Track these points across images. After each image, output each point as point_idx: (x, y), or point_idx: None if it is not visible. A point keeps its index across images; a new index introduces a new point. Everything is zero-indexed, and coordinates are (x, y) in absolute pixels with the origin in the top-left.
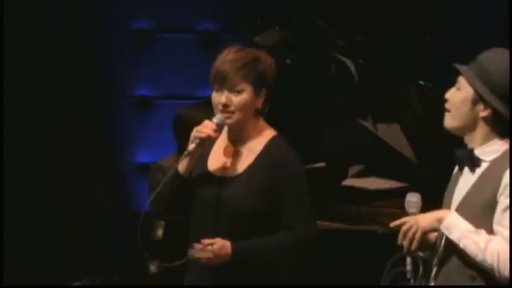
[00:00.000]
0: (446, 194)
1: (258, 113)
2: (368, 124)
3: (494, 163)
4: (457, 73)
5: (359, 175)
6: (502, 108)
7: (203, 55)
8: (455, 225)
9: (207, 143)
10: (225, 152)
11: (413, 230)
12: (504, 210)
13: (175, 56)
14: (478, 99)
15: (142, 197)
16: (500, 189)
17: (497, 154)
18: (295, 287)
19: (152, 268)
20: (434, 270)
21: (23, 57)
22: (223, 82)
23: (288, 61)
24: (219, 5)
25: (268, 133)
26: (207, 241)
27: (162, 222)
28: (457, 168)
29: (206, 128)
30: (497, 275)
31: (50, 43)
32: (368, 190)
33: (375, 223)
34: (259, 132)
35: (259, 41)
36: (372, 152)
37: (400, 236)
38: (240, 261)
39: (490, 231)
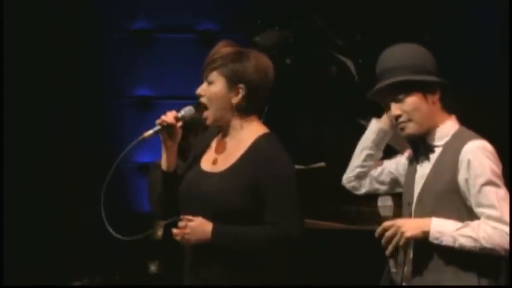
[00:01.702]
0: (406, 181)
1: (239, 109)
2: (368, 124)
3: (446, 146)
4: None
5: None
6: (441, 80)
7: (203, 55)
8: (442, 233)
9: (173, 134)
10: (216, 149)
11: (397, 238)
12: (479, 191)
13: (175, 56)
14: (426, 91)
15: (142, 197)
16: (462, 172)
17: (448, 137)
18: (295, 287)
19: (152, 268)
20: (410, 256)
21: (23, 58)
22: (202, 74)
23: (288, 61)
24: (219, 5)
25: (259, 130)
26: (187, 217)
27: (162, 222)
28: (409, 154)
29: (167, 116)
30: (503, 253)
31: (50, 43)
32: None
33: (375, 223)
34: (248, 128)
35: (259, 41)
36: None
37: (384, 241)
38: (221, 244)
39: (454, 212)
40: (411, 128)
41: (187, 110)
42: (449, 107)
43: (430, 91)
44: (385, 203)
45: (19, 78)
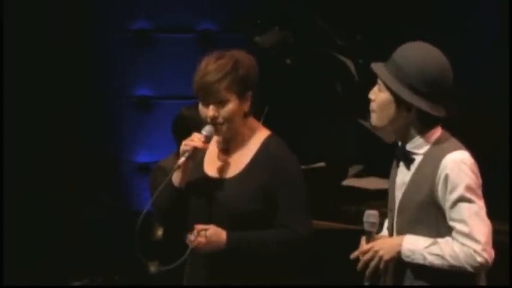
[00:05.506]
0: (390, 186)
1: (247, 114)
2: (368, 124)
3: (426, 156)
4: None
5: (359, 175)
6: (423, 105)
7: (203, 55)
8: (412, 251)
9: (197, 155)
10: (221, 154)
11: (376, 261)
12: (452, 206)
13: (175, 56)
14: (400, 100)
15: (142, 197)
16: (440, 187)
17: (428, 145)
18: (295, 287)
19: (152, 268)
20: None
21: (23, 58)
22: (207, 95)
23: (288, 61)
24: (219, 5)
25: (263, 133)
26: (200, 226)
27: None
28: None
29: (194, 140)
30: (471, 270)
31: (50, 43)
32: (368, 190)
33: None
34: (252, 131)
35: (259, 41)
36: (372, 152)
37: (361, 265)
38: (235, 252)
39: (434, 223)
40: (373, 120)
41: (208, 129)
42: (446, 106)
43: (406, 105)
44: (371, 220)
45: (19, 78)
